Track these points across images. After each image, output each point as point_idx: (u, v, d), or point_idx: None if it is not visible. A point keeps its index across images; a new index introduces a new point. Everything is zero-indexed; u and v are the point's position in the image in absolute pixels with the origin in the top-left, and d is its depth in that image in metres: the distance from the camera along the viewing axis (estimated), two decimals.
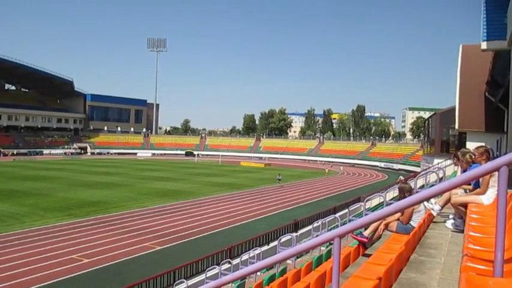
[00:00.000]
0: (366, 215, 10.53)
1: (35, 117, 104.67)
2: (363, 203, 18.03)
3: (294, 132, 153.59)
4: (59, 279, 15.08)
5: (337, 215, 18.38)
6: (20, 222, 24.06)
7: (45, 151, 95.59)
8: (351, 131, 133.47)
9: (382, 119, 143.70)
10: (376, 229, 5.85)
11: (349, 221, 12.40)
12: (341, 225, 12.27)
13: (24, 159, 79.72)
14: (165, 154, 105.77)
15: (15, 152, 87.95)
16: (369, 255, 5.53)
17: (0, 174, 49.33)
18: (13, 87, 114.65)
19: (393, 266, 3.65)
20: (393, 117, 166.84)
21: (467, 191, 5.53)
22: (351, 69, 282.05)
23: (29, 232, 21.81)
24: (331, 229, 15.06)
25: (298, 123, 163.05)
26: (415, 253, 4.65)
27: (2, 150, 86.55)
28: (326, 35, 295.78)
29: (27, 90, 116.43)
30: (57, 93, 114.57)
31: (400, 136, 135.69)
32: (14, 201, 30.69)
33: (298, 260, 10.62)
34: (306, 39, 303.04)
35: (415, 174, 23.10)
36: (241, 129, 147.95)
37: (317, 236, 14.19)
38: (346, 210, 22.78)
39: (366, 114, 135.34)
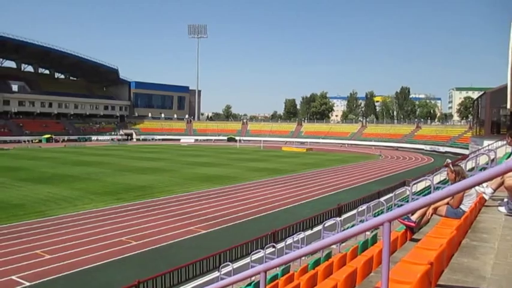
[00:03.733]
0: (412, 199, 10.31)
1: (84, 105, 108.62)
2: (408, 187, 17.66)
3: (336, 116, 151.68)
4: (110, 260, 15.71)
5: (382, 199, 18.10)
6: (73, 205, 25.18)
7: (94, 137, 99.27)
8: (395, 113, 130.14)
9: (428, 101, 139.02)
10: (424, 213, 5.72)
11: (395, 205, 12.19)
12: (387, 210, 12.08)
13: (74, 145, 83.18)
14: (207, 140, 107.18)
15: (65, 139, 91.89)
16: (417, 240, 5.43)
17: (53, 160, 51.69)
18: (62, 76, 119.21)
19: (444, 250, 3.57)
20: (439, 99, 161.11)
21: None
22: (393, 50, 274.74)
23: (81, 215, 22.81)
24: (376, 214, 14.87)
25: (340, 107, 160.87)
26: (467, 238, 4.53)
27: (54, 136, 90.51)
28: (367, 15, 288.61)
29: (75, 78, 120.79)
30: (103, 81, 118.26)
31: (446, 118, 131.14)
32: (66, 185, 32.13)
33: (343, 244, 10.56)
34: (347, 21, 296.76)
35: (464, 157, 22.36)
36: (282, 114, 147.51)
37: (361, 220, 14.06)
38: (391, 195, 22.44)
39: (411, 96, 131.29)
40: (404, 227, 5.95)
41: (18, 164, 46.31)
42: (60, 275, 14.15)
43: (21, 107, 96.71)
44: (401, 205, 13.44)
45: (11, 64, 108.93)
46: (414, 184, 12.11)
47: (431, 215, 5.72)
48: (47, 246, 17.15)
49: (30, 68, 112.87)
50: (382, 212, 15.13)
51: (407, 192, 21.69)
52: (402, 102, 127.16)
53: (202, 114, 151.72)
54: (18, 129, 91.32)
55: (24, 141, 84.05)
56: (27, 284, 13.39)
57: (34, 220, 21.40)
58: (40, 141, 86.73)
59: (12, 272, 14.21)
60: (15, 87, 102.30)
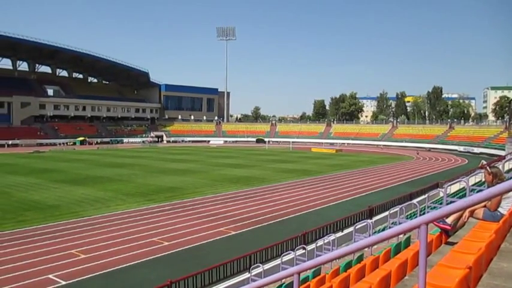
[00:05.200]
0: (447, 201, 10.07)
1: (115, 108, 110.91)
2: (442, 189, 17.25)
3: (366, 116, 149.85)
4: (142, 260, 15.98)
5: (415, 201, 17.76)
6: (106, 206, 25.76)
7: (125, 140, 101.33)
8: (427, 114, 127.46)
9: (461, 100, 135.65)
10: (460, 216, 5.58)
11: (429, 207, 11.94)
12: (420, 212, 11.86)
13: (106, 147, 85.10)
14: (236, 141, 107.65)
15: (98, 141, 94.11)
16: (452, 244, 5.30)
17: (87, 162, 53.01)
18: (95, 80, 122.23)
19: (483, 255, 3.47)
20: (473, 98, 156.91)
21: None
22: (425, 49, 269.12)
23: (114, 215, 23.30)
24: (408, 216, 14.60)
25: (369, 107, 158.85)
26: (506, 242, 4.40)
27: (88, 139, 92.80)
28: (397, 14, 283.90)
29: (107, 82, 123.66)
30: (134, 84, 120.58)
31: (481, 118, 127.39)
32: (99, 187, 32.90)
33: (375, 247, 10.42)
34: (376, 21, 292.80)
35: (500, 158, 21.69)
36: (311, 115, 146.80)
37: (393, 223, 13.84)
38: (424, 197, 21.99)
39: (443, 96, 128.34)
40: (439, 230, 5.83)
41: (53, 166, 47.70)
42: (94, 274, 14.49)
43: (56, 111, 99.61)
44: (435, 207, 13.16)
45: (46, 69, 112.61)
46: (448, 186, 11.82)
47: (468, 218, 5.57)
48: (82, 246, 17.60)
49: (64, 73, 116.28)
50: (414, 214, 14.86)
51: (441, 194, 21.22)
52: (434, 102, 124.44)
53: (231, 116, 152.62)
54: (53, 132, 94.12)
55: (60, 144, 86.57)
56: (63, 282, 13.75)
57: (69, 220, 22.00)
58: (74, 143, 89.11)
59: (49, 271, 14.64)
60: (50, 92, 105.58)
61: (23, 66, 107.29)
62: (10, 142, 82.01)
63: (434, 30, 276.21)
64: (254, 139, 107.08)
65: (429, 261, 4.48)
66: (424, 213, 13.19)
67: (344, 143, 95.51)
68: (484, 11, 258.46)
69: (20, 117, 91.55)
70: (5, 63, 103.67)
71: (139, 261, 15.88)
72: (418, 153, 73.29)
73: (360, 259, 8.86)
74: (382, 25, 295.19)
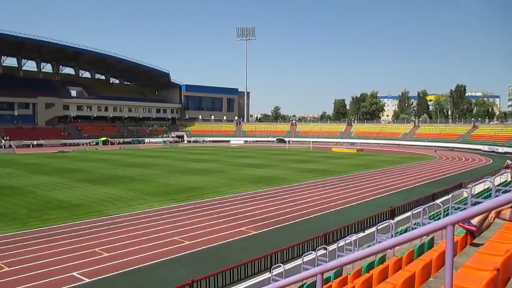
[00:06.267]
0: (472, 202, 9.89)
1: (137, 108, 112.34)
2: (466, 189, 16.96)
3: (387, 116, 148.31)
4: (164, 259, 16.14)
5: (438, 201, 17.48)
6: (128, 205, 26.10)
7: (147, 140, 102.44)
8: (449, 112, 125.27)
9: (485, 99, 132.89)
10: (486, 217, 5.47)
11: (453, 208, 11.74)
12: (444, 213, 11.67)
13: (128, 147, 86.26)
14: (256, 141, 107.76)
15: (120, 141, 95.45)
16: (478, 245, 5.21)
17: (109, 162, 53.81)
18: (117, 81, 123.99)
19: (511, 256, 3.41)
20: (497, 96, 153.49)
21: None
22: (447, 47, 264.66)
23: (136, 215, 23.59)
24: (431, 217, 14.39)
25: (391, 106, 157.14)
26: None
27: (110, 139, 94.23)
28: (418, 11, 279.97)
29: (129, 83, 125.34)
30: (155, 85, 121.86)
31: (506, 116, 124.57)
32: (122, 186, 33.36)
33: (397, 248, 10.29)
34: (397, 19, 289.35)
35: None
36: (331, 114, 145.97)
37: (416, 223, 13.66)
38: (447, 197, 21.63)
39: (467, 94, 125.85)
40: (464, 231, 5.73)
41: (77, 166, 48.57)
42: (117, 272, 14.69)
43: (79, 112, 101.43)
44: (459, 208, 12.94)
45: (70, 71, 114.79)
46: (473, 186, 11.60)
47: (494, 219, 5.47)
48: (105, 244, 17.87)
49: (87, 74, 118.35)
50: (438, 215, 14.63)
51: (465, 195, 20.85)
52: (457, 100, 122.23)
53: (251, 116, 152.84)
54: (76, 132, 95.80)
55: (83, 144, 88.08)
56: (87, 280, 13.99)
57: (92, 219, 22.37)
58: (97, 143, 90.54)
59: (73, 269, 14.90)
60: (74, 93, 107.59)
61: (47, 68, 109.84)
62: (35, 142, 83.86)
63: (457, 27, 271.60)
64: (274, 139, 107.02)
65: (454, 262, 4.40)
66: (448, 214, 12.98)
67: (365, 143, 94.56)
68: (506, 7, 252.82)
69: (45, 117, 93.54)
70: (30, 65, 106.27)
71: (160, 260, 16.03)
72: (435, 151, 72.56)
73: (382, 260, 8.77)
74: (403, 23, 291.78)
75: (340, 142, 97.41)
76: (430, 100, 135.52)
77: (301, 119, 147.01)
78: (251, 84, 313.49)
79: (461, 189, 24.56)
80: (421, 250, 7.66)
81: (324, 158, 62.08)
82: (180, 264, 15.59)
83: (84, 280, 13.97)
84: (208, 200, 27.91)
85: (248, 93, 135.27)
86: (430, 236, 8.61)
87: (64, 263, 15.47)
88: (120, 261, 15.80)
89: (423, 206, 14.55)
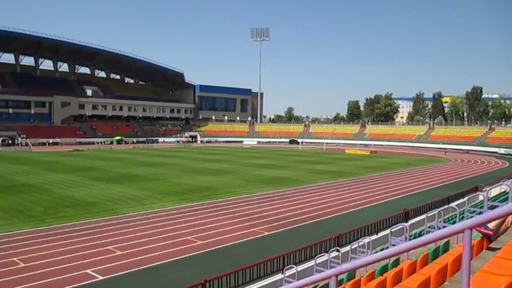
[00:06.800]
0: (489, 205, 9.76)
1: (151, 108, 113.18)
2: (482, 193, 16.73)
3: (401, 118, 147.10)
4: (177, 258, 16.21)
5: (453, 204, 17.28)
6: (141, 204, 26.29)
7: (160, 139, 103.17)
8: (465, 115, 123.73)
9: (502, 101, 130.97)
10: (503, 221, 5.41)
11: (468, 211, 11.60)
12: (459, 216, 11.53)
13: (142, 146, 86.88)
14: (269, 142, 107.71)
15: (134, 140, 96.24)
16: (495, 249, 5.15)
17: (124, 161, 54.28)
18: (132, 81, 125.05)
19: None
20: None
21: None
22: (463, 48, 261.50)
23: (149, 214, 23.75)
24: (446, 220, 14.22)
25: (405, 108, 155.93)
26: None
27: (124, 138, 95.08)
28: (432, 11, 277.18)
29: (143, 83, 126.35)
30: (170, 85, 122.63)
31: None
32: (135, 185, 33.61)
33: (411, 251, 10.20)
34: (412, 20, 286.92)
35: None
36: (345, 116, 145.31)
37: (430, 226, 13.52)
38: (462, 200, 21.38)
39: (483, 96, 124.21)
40: (480, 235, 5.67)
41: (92, 164, 49.08)
42: (131, 270, 14.80)
43: (94, 111, 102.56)
44: (474, 211, 12.78)
45: (85, 70, 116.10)
46: (489, 190, 11.44)
47: (511, 223, 5.39)
48: (118, 242, 18.02)
49: (102, 74, 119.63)
50: (452, 218, 14.46)
51: (481, 198, 20.58)
52: (473, 102, 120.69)
53: (264, 117, 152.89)
54: (92, 131, 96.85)
55: (97, 143, 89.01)
56: (101, 277, 14.11)
57: (106, 217, 22.58)
58: (111, 142, 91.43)
59: (87, 266, 15.06)
60: (89, 92, 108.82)
61: (64, 67, 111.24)
62: (51, 140, 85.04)
63: (473, 28, 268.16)
64: (287, 140, 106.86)
65: (471, 267, 4.36)
66: (463, 217, 12.82)
67: (379, 145, 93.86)
68: None
69: (61, 116, 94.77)
70: (47, 65, 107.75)
71: (173, 259, 16.11)
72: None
73: (396, 263, 8.70)
74: (418, 25, 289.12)
75: (354, 144, 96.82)
76: (446, 102, 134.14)
77: (315, 120, 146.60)
78: (265, 85, 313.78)
79: (477, 192, 24.27)
80: (436, 253, 7.58)
81: (337, 159, 61.79)
82: (193, 264, 15.65)
83: (98, 278, 14.11)
84: (221, 200, 27.98)
85: (262, 94, 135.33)
86: (445, 240, 8.53)
87: (78, 260, 15.64)
88: (133, 259, 15.92)
89: (438, 209, 14.39)
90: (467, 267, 2.56)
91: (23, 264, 15.18)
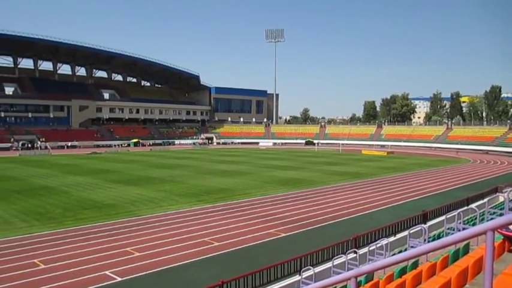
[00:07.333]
0: (510, 207, 9.58)
1: (167, 111, 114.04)
2: (501, 194, 16.44)
3: (418, 118, 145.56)
4: (194, 259, 16.28)
5: (473, 205, 17.02)
6: (159, 206, 26.49)
7: (177, 141, 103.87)
8: (484, 114, 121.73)
9: None
10: None
11: (488, 213, 11.41)
12: (479, 218, 11.35)
13: (159, 149, 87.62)
14: (285, 143, 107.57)
15: (151, 143, 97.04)
16: None
17: (141, 163, 54.78)
18: (148, 84, 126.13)
19: None
20: None
21: None
22: (481, 47, 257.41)
23: (166, 215, 23.91)
24: (466, 221, 14.02)
25: (422, 108, 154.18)
26: None
27: (141, 141, 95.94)
28: (449, 11, 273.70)
29: (159, 86, 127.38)
30: (185, 87, 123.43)
31: None
32: (152, 187, 33.89)
33: (430, 253, 10.07)
34: (428, 18, 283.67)
35: None
36: (361, 116, 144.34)
37: (450, 228, 13.33)
38: (482, 201, 21.04)
39: (502, 96, 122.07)
40: (502, 237, 5.57)
41: (109, 167, 49.64)
42: (148, 272, 14.91)
43: (111, 114, 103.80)
44: (495, 213, 12.56)
45: (102, 74, 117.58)
46: (510, 191, 11.23)
47: None
48: (136, 244, 18.17)
49: (119, 77, 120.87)
50: (472, 220, 14.24)
51: (501, 199, 20.22)
52: (492, 102, 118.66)
53: (280, 118, 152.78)
54: (109, 134, 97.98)
55: (115, 146, 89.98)
56: (119, 279, 14.25)
57: (124, 219, 22.80)
58: (128, 145, 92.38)
59: (106, 267, 15.22)
60: (106, 95, 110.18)
61: (81, 71, 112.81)
62: (69, 144, 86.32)
63: (491, 25, 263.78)
64: (303, 141, 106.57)
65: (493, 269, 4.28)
66: (483, 219, 12.61)
67: (395, 145, 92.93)
68: None
69: (78, 120, 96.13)
70: (65, 69, 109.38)
71: (190, 260, 16.18)
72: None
73: (415, 265, 8.60)
74: (434, 23, 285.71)
75: (370, 144, 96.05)
76: (464, 102, 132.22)
77: (331, 121, 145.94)
78: (280, 86, 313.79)
79: (497, 193, 23.86)
80: (456, 256, 7.48)
81: (354, 160, 61.39)
82: (210, 265, 15.70)
83: (116, 279, 14.25)
84: (237, 202, 28.02)
85: (277, 95, 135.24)
86: (465, 242, 8.40)
87: (97, 262, 15.82)
88: (151, 260, 16.04)
89: (457, 211, 14.18)
90: (490, 270, 2.52)
91: (43, 266, 15.42)
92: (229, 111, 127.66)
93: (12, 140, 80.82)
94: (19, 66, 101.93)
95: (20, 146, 78.85)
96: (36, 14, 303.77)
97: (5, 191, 31.94)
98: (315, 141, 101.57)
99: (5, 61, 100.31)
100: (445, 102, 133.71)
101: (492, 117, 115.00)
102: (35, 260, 15.98)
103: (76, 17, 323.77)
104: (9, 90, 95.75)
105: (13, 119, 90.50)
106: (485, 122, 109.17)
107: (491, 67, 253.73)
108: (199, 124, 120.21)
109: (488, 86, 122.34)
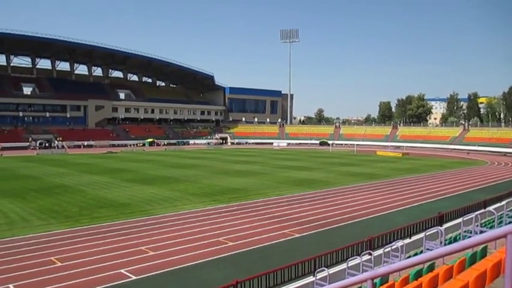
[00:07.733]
0: None
1: (182, 110, 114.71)
2: None
3: (435, 119, 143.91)
4: (208, 259, 16.33)
5: (490, 208, 16.75)
6: (173, 205, 26.64)
7: (191, 141, 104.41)
8: (502, 116, 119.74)
9: None
10: None
11: (507, 215, 11.23)
12: (498, 220, 11.17)
13: (174, 148, 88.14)
14: (299, 144, 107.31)
15: (166, 143, 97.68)
16: None
17: (155, 163, 55.18)
18: (163, 84, 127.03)
19: None
20: None
21: None
22: (499, 46, 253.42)
23: (181, 215, 24.04)
24: (483, 224, 13.82)
25: (439, 109, 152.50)
26: None
27: (156, 140, 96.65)
28: (467, 10, 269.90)
29: (174, 86, 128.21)
30: (200, 87, 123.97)
31: None
32: (167, 187, 34.10)
33: (447, 256, 9.93)
34: (445, 18, 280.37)
35: None
36: (376, 117, 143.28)
37: (466, 231, 13.15)
38: (500, 204, 20.71)
39: None
40: None
41: (125, 166, 50.10)
42: (163, 271, 15.00)
43: (127, 114, 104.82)
44: None
45: (118, 74, 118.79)
46: None
47: None
48: (151, 243, 18.30)
49: (135, 77, 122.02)
50: (489, 223, 14.03)
51: None
52: (510, 103, 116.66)
53: (294, 118, 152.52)
54: (124, 133, 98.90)
55: (130, 145, 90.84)
56: (134, 277, 14.36)
57: (139, 218, 22.99)
58: (144, 145, 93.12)
59: (121, 266, 15.35)
60: (122, 95, 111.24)
61: (98, 72, 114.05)
62: (86, 143, 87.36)
63: (508, 25, 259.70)
64: (318, 141, 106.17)
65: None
66: (501, 222, 12.41)
67: (411, 146, 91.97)
68: None
69: (95, 119, 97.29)
70: (82, 69, 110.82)
71: (205, 260, 16.23)
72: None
73: (431, 268, 8.50)
74: (451, 23, 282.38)
75: (385, 145, 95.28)
76: (482, 103, 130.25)
77: (345, 122, 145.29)
78: (295, 86, 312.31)
79: None
80: (473, 259, 7.37)
81: (369, 161, 60.97)
82: (224, 265, 15.73)
83: (131, 277, 14.36)
84: (252, 202, 28.04)
85: (291, 96, 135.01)
86: (483, 245, 8.27)
87: (112, 260, 15.97)
88: (165, 260, 16.14)
89: (474, 213, 13.98)
90: (511, 274, 2.48)
91: (59, 264, 15.62)
92: (244, 111, 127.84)
93: (30, 139, 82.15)
94: (37, 66, 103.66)
95: (37, 145, 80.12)
96: (54, 15, 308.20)
97: (23, 189, 32.48)
98: (330, 142, 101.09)
99: (24, 61, 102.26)
100: (462, 103, 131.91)
101: (510, 119, 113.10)
102: (51, 258, 16.21)
103: (91, 17, 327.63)
104: (27, 90, 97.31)
105: (31, 118, 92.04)
106: (503, 124, 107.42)
107: (510, 68, 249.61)
108: (213, 124, 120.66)
109: (506, 87, 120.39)
